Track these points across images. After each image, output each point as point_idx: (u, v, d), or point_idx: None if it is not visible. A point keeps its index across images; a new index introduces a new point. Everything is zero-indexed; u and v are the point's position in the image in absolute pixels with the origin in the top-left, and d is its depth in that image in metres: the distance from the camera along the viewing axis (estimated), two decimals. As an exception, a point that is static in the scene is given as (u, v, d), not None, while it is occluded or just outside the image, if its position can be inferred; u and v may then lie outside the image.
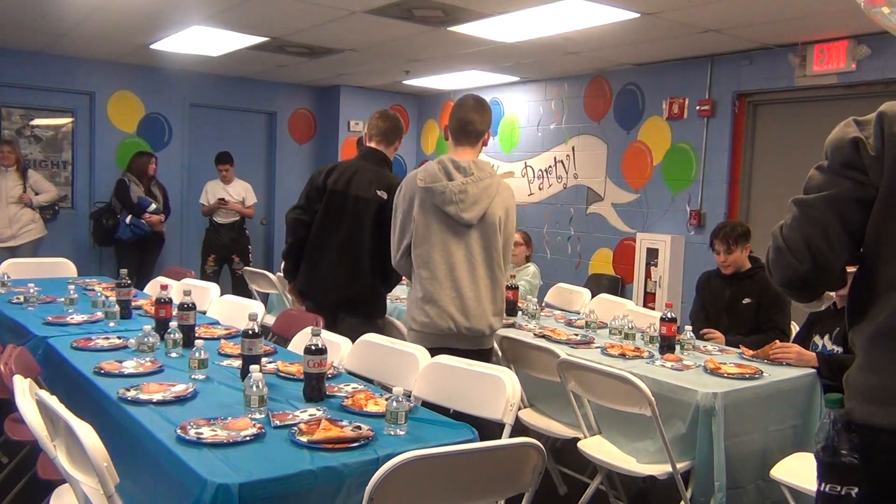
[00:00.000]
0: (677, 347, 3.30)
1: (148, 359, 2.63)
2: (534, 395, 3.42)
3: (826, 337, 3.19)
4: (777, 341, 3.25)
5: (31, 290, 3.92)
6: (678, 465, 2.67)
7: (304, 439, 1.87)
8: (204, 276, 6.50)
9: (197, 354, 2.48)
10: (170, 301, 3.05)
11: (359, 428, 1.97)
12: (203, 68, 7.27)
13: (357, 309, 3.53)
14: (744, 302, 3.70)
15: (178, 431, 1.89)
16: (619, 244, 6.46)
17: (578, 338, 3.54)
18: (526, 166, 7.35)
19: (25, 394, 2.02)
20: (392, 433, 1.98)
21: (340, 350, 2.91)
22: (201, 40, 5.85)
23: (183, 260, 7.32)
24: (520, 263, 4.94)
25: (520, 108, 7.42)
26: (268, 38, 5.73)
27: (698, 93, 5.79)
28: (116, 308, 3.42)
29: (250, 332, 2.38)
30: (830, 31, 4.78)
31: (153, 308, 3.16)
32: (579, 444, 2.97)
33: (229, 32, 5.55)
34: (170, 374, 2.48)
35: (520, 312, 4.17)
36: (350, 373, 2.74)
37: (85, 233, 7.07)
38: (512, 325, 3.84)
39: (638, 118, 6.29)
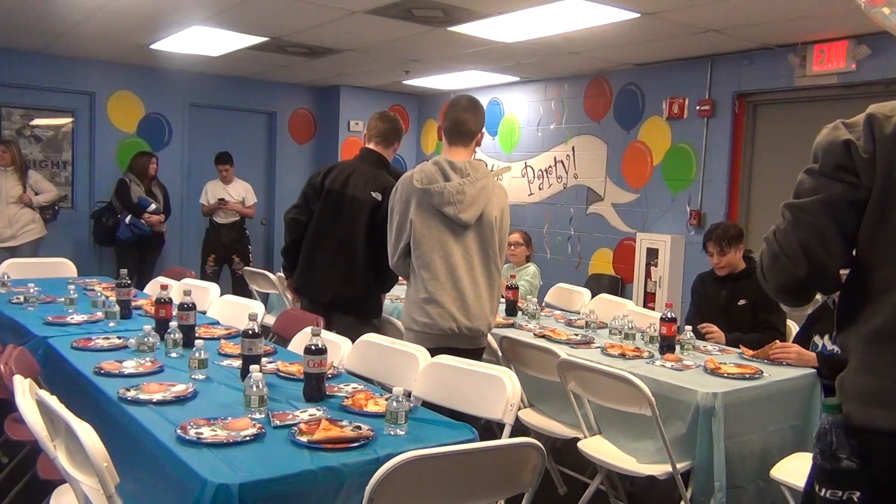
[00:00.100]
0: (677, 347, 3.30)
1: (148, 359, 2.63)
2: (534, 395, 3.42)
3: (826, 337, 3.19)
4: (777, 341, 3.25)
5: (31, 290, 3.93)
6: (678, 465, 2.67)
7: (304, 439, 1.87)
8: (204, 276, 6.50)
9: (197, 354, 2.48)
10: (170, 301, 3.05)
11: (359, 428, 1.97)
12: (203, 68, 7.28)
13: (351, 308, 3.55)
14: (739, 303, 3.70)
15: (178, 431, 1.89)
16: (619, 244, 6.46)
17: (578, 338, 3.54)
18: (526, 166, 7.35)
19: (25, 394, 2.02)
20: (392, 433, 1.98)
21: (340, 350, 2.91)
22: (201, 40, 5.85)
23: (183, 260, 7.31)
24: (520, 263, 4.94)
25: (520, 108, 7.42)
26: (268, 38, 5.73)
27: (698, 93, 5.79)
28: (116, 308, 3.42)
29: (250, 332, 2.38)
30: (830, 31, 4.78)
31: (153, 308, 3.16)
32: (579, 444, 2.97)
33: (229, 32, 5.55)
34: (170, 374, 2.48)
35: (520, 312, 4.17)
36: (350, 373, 2.74)
37: (85, 233, 7.07)
38: (512, 325, 3.85)
39: (638, 118, 6.29)
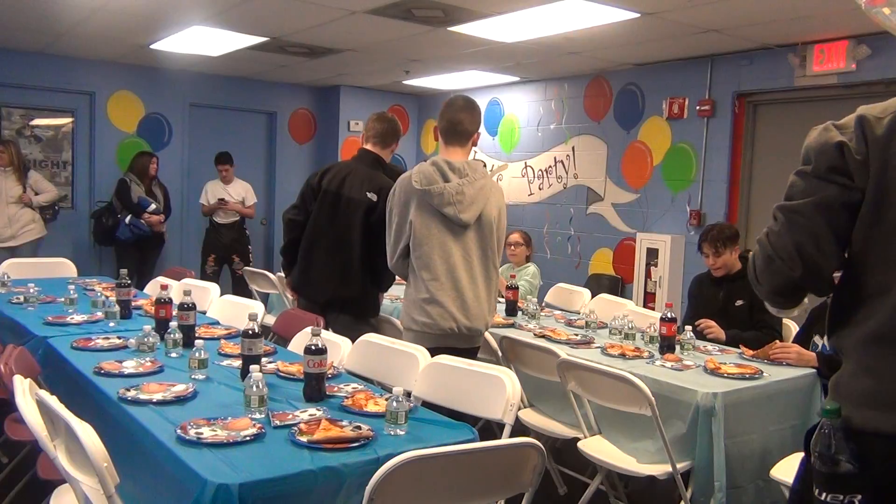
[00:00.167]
0: (677, 347, 3.30)
1: (148, 359, 2.63)
2: (534, 395, 3.42)
3: (826, 337, 3.19)
4: (777, 341, 3.25)
5: (31, 290, 3.93)
6: (678, 465, 2.67)
7: (304, 439, 1.87)
8: (204, 276, 6.50)
9: (197, 354, 2.48)
10: (170, 301, 3.05)
11: (359, 428, 1.97)
12: (203, 68, 7.27)
13: (348, 308, 3.57)
14: (737, 304, 3.70)
15: (178, 431, 1.89)
16: (619, 244, 6.46)
17: (578, 338, 3.54)
18: (526, 166, 7.35)
19: (25, 394, 2.02)
20: (392, 433, 1.98)
21: (340, 350, 2.91)
22: (201, 40, 5.85)
23: (183, 260, 7.32)
24: (520, 263, 4.94)
25: (520, 108, 7.42)
26: (268, 38, 5.73)
27: (698, 93, 5.79)
28: (116, 308, 3.42)
29: (250, 332, 2.38)
30: (830, 31, 4.78)
31: (153, 308, 3.16)
32: (579, 444, 2.97)
33: (229, 32, 5.55)
34: (170, 374, 2.48)
35: (520, 312, 4.17)
36: (350, 373, 2.75)
37: (85, 233, 7.07)
38: (512, 325, 3.85)
39: (638, 118, 6.29)
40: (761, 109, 5.63)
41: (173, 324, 2.84)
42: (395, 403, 2.00)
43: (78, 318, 3.35)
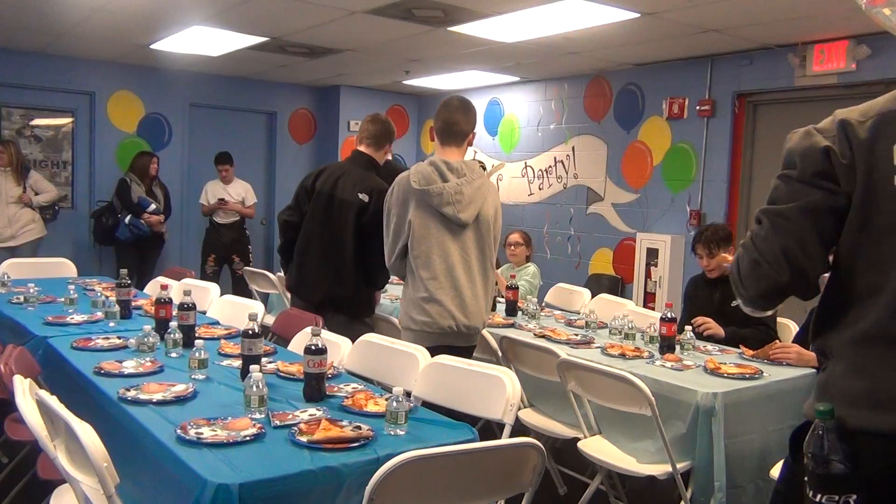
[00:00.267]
0: (677, 347, 3.30)
1: (148, 359, 2.63)
2: (534, 395, 3.42)
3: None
4: (777, 341, 3.25)
5: (31, 290, 3.93)
6: (678, 465, 2.67)
7: (304, 439, 1.87)
8: (204, 276, 6.50)
9: (197, 354, 2.48)
10: (170, 301, 3.05)
11: (359, 428, 1.97)
12: (203, 68, 7.27)
13: (342, 308, 3.59)
14: (732, 305, 3.68)
15: (178, 431, 1.89)
16: (619, 244, 6.46)
17: (578, 338, 3.54)
18: (526, 166, 7.35)
19: (25, 394, 2.02)
20: (392, 433, 1.98)
21: (340, 350, 2.91)
22: (201, 40, 5.85)
23: (183, 260, 7.32)
24: (520, 263, 4.94)
25: (520, 108, 7.42)
26: (268, 38, 5.73)
27: (698, 93, 5.79)
28: (116, 308, 3.42)
29: (250, 332, 2.38)
30: (830, 31, 4.78)
31: (153, 308, 3.16)
32: (579, 444, 2.97)
33: (229, 32, 5.55)
34: (170, 374, 2.48)
35: (520, 312, 4.17)
36: (350, 373, 2.75)
37: (85, 233, 7.07)
38: (512, 325, 3.85)
39: (638, 118, 6.29)
40: (761, 109, 5.63)
41: (173, 324, 2.84)
42: (395, 403, 2.00)
43: (78, 318, 3.35)
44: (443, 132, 3.05)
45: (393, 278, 3.63)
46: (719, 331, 3.58)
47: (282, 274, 4.13)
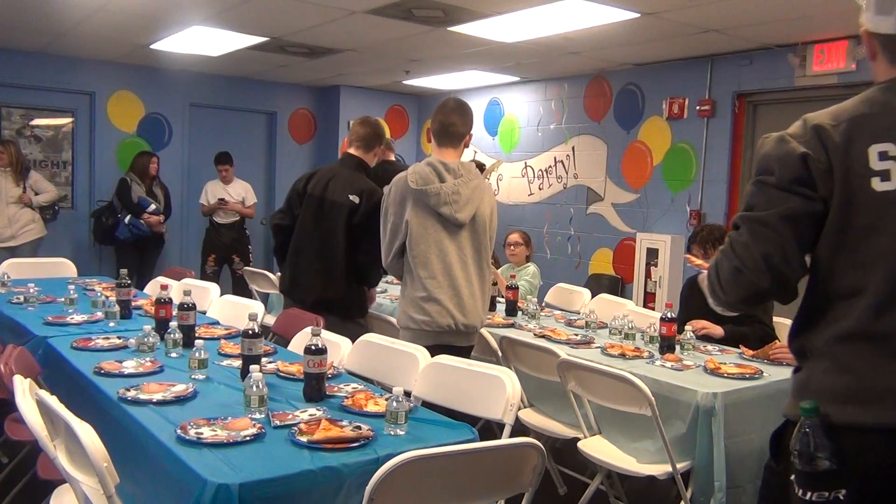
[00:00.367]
0: (677, 347, 3.30)
1: (148, 359, 2.63)
2: (534, 395, 3.42)
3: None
4: (777, 341, 3.25)
5: (31, 290, 3.93)
6: (678, 465, 2.67)
7: (304, 439, 1.87)
8: (204, 276, 6.50)
9: (197, 354, 2.48)
10: (170, 301, 3.05)
11: (359, 428, 1.97)
12: (203, 68, 7.27)
13: (334, 308, 3.61)
14: None
15: (178, 431, 1.89)
16: (619, 244, 6.46)
17: (578, 338, 3.54)
18: (526, 166, 7.35)
19: (25, 394, 2.02)
20: (392, 433, 1.98)
21: (340, 350, 2.91)
22: (201, 40, 5.85)
23: (183, 260, 7.32)
24: (520, 263, 4.93)
25: (520, 108, 7.42)
26: (268, 38, 5.73)
27: (698, 93, 5.79)
28: (116, 308, 3.42)
29: (250, 332, 2.38)
30: (830, 31, 4.78)
31: (153, 308, 3.16)
32: (579, 444, 2.97)
33: (229, 32, 5.55)
34: (170, 374, 2.48)
35: (520, 312, 4.17)
36: (350, 373, 2.75)
37: (85, 233, 7.07)
38: (512, 325, 3.85)
39: (638, 118, 6.29)
40: (761, 109, 5.63)
41: (173, 324, 2.84)
42: (395, 403, 2.00)
43: (78, 318, 3.35)
44: (439, 134, 3.09)
45: (393, 279, 3.65)
46: (715, 330, 3.57)
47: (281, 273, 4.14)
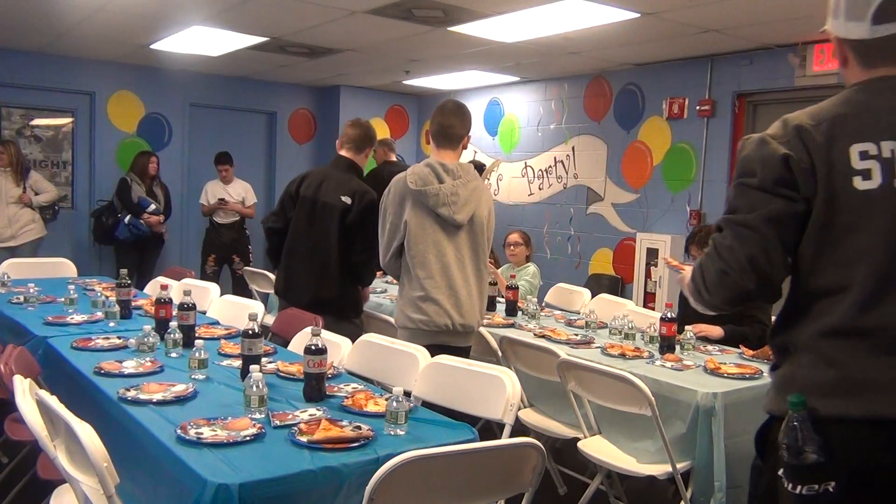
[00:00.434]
0: (677, 347, 3.30)
1: (148, 359, 2.63)
2: (534, 395, 3.42)
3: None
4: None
5: (31, 290, 3.93)
6: (678, 465, 2.67)
7: (304, 439, 1.87)
8: (204, 276, 6.50)
9: (197, 354, 2.48)
10: (170, 301, 3.05)
11: (359, 428, 1.97)
12: (203, 68, 7.27)
13: (329, 309, 3.63)
14: None
15: (178, 431, 1.89)
16: (619, 244, 6.46)
17: (578, 338, 3.54)
18: (526, 166, 7.35)
19: (25, 394, 2.02)
20: (392, 433, 1.98)
21: (340, 350, 2.91)
22: (201, 40, 5.85)
23: (183, 260, 7.32)
24: (520, 263, 4.93)
25: (520, 108, 7.42)
26: (268, 38, 5.73)
27: (698, 93, 5.79)
28: (116, 308, 3.42)
29: (250, 332, 2.38)
30: (830, 31, 4.77)
31: (153, 308, 3.16)
32: (579, 444, 2.97)
33: (229, 32, 5.55)
34: (170, 374, 2.48)
35: (520, 312, 4.17)
36: (350, 373, 2.75)
37: (85, 233, 7.07)
38: (512, 325, 3.85)
39: (638, 118, 6.29)
40: (761, 109, 5.63)
41: (173, 324, 2.84)
42: (395, 403, 2.00)
43: (78, 318, 3.35)
44: (438, 136, 3.13)
45: (392, 279, 3.66)
46: (713, 331, 3.57)
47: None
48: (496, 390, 2.35)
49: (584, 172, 6.78)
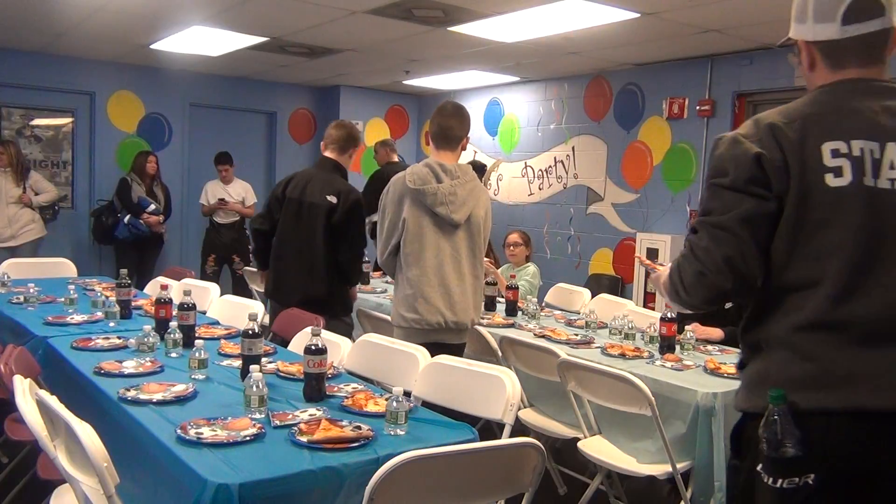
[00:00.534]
0: (677, 347, 3.30)
1: (148, 359, 2.63)
2: (534, 395, 3.42)
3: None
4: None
5: (31, 290, 3.92)
6: (678, 465, 2.67)
7: (304, 439, 1.87)
8: (204, 276, 6.49)
9: (197, 354, 2.48)
10: (170, 301, 3.05)
11: (359, 428, 1.97)
12: (203, 68, 7.27)
13: (318, 308, 3.63)
14: (726, 306, 3.69)
15: (178, 431, 1.89)
16: (619, 244, 6.46)
17: (578, 338, 3.54)
18: (526, 166, 7.35)
19: (25, 394, 2.02)
20: (392, 433, 1.98)
21: (340, 350, 2.91)
22: (201, 40, 5.85)
23: (183, 260, 7.32)
24: (520, 263, 4.93)
25: (520, 108, 7.42)
26: (268, 38, 5.73)
27: (698, 93, 5.79)
28: (116, 308, 3.42)
29: (250, 332, 2.38)
30: (830, 31, 4.77)
31: (153, 308, 3.16)
32: (579, 444, 2.97)
33: (229, 32, 5.55)
34: (170, 374, 2.48)
35: (520, 312, 4.17)
36: (350, 373, 2.75)
37: (85, 233, 7.07)
38: (512, 325, 3.85)
39: (638, 118, 6.29)
40: (761, 109, 5.58)
41: (173, 324, 2.84)
42: (395, 403, 2.00)
43: (78, 318, 3.35)
44: (437, 137, 3.17)
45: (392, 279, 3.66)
46: (711, 333, 3.57)
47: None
48: (496, 390, 2.35)
49: (584, 172, 6.78)
